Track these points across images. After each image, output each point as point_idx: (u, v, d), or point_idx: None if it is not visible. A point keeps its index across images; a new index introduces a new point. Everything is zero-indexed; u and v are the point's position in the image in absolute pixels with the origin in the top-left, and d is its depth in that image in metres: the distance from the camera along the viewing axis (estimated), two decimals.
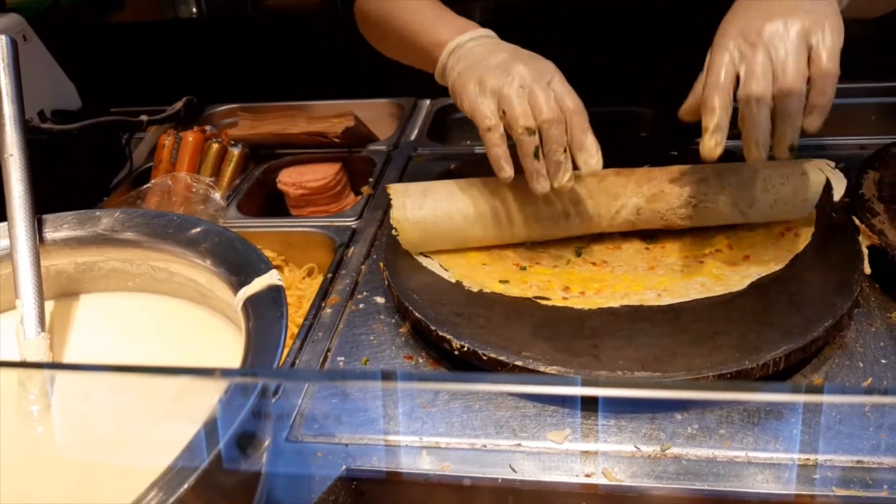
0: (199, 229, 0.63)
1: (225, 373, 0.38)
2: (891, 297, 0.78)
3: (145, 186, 1.10)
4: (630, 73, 1.18)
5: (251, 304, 0.54)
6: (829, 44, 0.66)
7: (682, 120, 0.77)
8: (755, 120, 0.67)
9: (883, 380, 0.69)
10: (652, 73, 1.16)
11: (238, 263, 0.58)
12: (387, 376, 0.55)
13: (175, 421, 0.45)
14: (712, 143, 0.69)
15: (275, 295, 0.53)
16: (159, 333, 0.66)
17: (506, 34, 1.00)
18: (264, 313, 0.52)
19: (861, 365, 0.71)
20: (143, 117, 1.25)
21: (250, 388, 0.40)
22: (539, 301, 0.76)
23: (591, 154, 0.75)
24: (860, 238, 0.80)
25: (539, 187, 0.76)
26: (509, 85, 0.74)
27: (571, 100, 0.75)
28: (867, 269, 0.76)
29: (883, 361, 0.71)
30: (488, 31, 0.85)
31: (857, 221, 0.82)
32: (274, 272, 0.56)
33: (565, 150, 0.75)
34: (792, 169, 0.80)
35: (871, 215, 0.82)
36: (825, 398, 0.55)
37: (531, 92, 0.74)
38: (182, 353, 0.63)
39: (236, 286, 0.57)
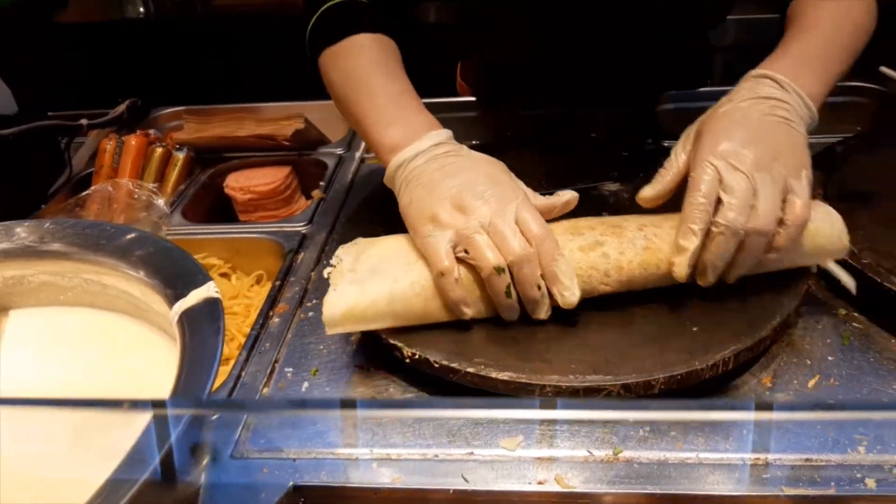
0: (133, 239, 0.60)
1: (133, 404, 0.36)
2: (836, 294, 0.79)
3: (84, 193, 1.06)
4: (593, 74, 1.18)
5: (187, 318, 0.51)
6: (805, 193, 0.68)
7: (639, 203, 0.76)
8: (721, 249, 0.67)
9: (830, 377, 0.70)
10: (615, 74, 1.16)
11: (174, 275, 0.56)
12: (327, 405, 0.53)
13: (102, 447, 0.43)
14: (685, 265, 0.68)
15: (212, 308, 0.51)
16: (94, 349, 0.63)
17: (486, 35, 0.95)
18: (200, 328, 0.50)
19: (808, 363, 0.71)
20: (84, 121, 1.21)
21: (177, 416, 0.38)
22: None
23: (565, 286, 0.67)
24: None
25: (509, 317, 0.71)
26: (468, 225, 0.68)
27: (537, 226, 0.68)
28: (813, 268, 0.77)
29: (830, 358, 0.72)
30: (440, 138, 0.76)
31: None
32: (211, 284, 0.53)
33: (540, 287, 0.68)
34: None
35: None
36: (775, 415, 0.55)
37: (495, 231, 0.68)
38: (118, 369, 0.61)
39: (172, 299, 0.54)
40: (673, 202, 0.74)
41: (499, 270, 0.67)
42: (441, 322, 0.72)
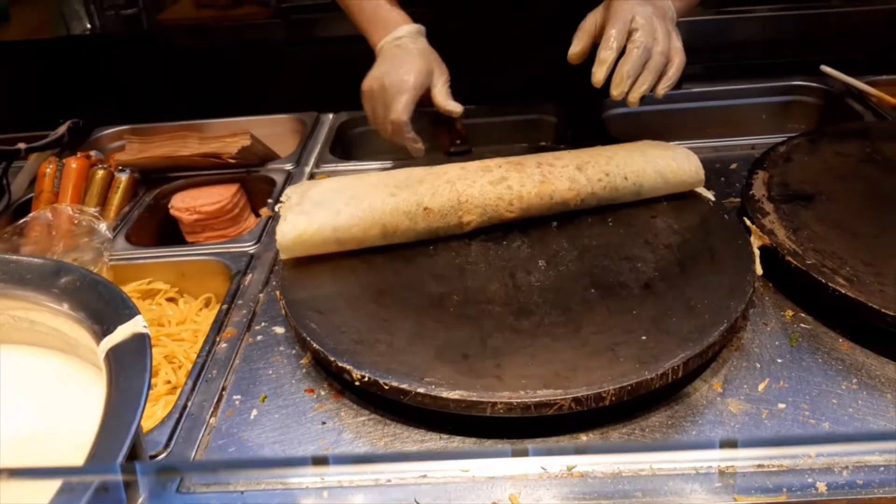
0: (59, 273, 0.57)
1: (15, 473, 0.34)
2: (784, 295, 0.80)
3: (22, 221, 1.02)
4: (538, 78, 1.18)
5: (114, 356, 0.49)
6: (679, 38, 0.90)
7: (570, 62, 0.94)
8: (634, 62, 0.86)
9: (780, 379, 0.70)
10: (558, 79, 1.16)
11: (101, 310, 0.53)
12: (277, 463, 0.51)
13: (28, 488, 0.40)
14: (603, 72, 0.87)
15: (139, 344, 0.49)
16: (24, 389, 0.60)
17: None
18: (127, 366, 0.47)
19: (758, 366, 0.72)
20: (21, 145, 1.17)
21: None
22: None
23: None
24: (752, 239, 0.81)
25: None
26: (370, 98, 0.99)
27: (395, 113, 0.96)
28: (759, 270, 0.78)
29: (779, 361, 0.72)
30: (410, 30, 1.03)
31: (748, 222, 0.83)
32: (139, 318, 0.51)
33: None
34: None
35: (761, 215, 0.83)
36: (740, 453, 0.55)
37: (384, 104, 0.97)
38: (49, 409, 0.58)
39: (100, 335, 0.52)
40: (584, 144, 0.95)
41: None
42: (392, 337, 0.71)
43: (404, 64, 0.98)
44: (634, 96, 0.87)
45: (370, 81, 1.00)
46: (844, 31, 1.52)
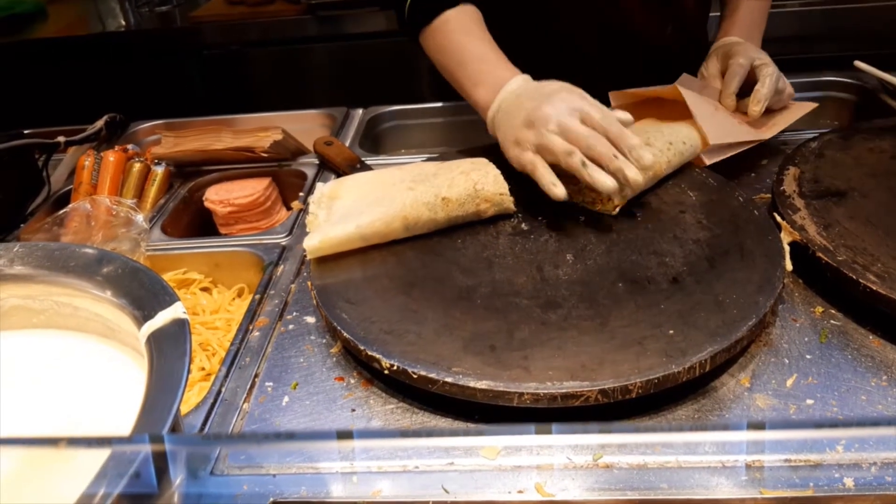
0: (101, 260, 0.60)
1: (71, 442, 0.36)
2: (814, 292, 0.80)
3: (62, 211, 1.05)
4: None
5: (154, 340, 0.51)
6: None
7: None
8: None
9: (808, 375, 0.70)
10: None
11: (142, 296, 0.55)
12: (308, 436, 0.53)
13: (65, 475, 0.42)
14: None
15: (178, 329, 0.51)
16: (67, 373, 0.63)
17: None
18: (167, 350, 0.49)
19: (787, 361, 0.71)
20: (61, 138, 1.20)
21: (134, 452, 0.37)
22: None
23: (640, 152, 0.82)
24: (782, 235, 0.81)
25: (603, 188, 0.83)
26: (541, 135, 0.84)
27: (598, 112, 0.84)
28: (789, 266, 0.77)
29: (808, 357, 0.72)
30: (513, 86, 0.92)
31: (778, 218, 0.83)
32: (179, 304, 0.53)
33: (616, 157, 0.81)
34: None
35: (791, 211, 0.83)
36: (767, 435, 0.55)
37: (562, 128, 0.83)
38: (90, 392, 0.60)
39: (141, 320, 0.54)
40: None
41: (569, 153, 0.82)
42: (420, 327, 0.72)
43: (542, 89, 0.90)
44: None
45: (517, 127, 0.87)
46: (878, 26, 1.50)
